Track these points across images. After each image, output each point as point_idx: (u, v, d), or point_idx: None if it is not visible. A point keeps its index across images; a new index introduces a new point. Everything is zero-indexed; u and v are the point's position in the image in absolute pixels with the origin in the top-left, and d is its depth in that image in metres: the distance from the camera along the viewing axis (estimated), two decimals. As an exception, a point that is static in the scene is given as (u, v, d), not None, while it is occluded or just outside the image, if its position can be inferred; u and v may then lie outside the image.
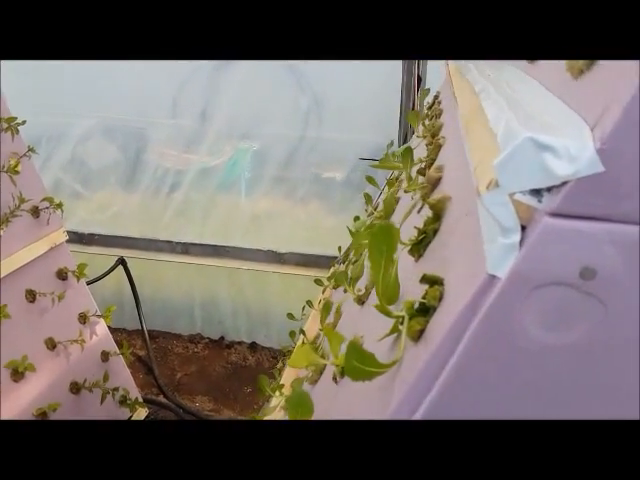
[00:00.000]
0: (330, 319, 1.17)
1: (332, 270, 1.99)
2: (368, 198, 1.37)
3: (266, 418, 1.23)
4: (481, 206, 0.44)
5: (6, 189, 2.00)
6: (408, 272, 0.64)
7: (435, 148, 0.96)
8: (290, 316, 1.91)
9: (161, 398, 2.74)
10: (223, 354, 3.16)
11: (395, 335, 0.55)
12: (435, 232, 0.62)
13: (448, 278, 0.47)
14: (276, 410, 1.22)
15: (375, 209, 1.82)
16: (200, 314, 3.28)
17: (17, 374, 1.94)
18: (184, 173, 3.24)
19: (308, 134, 3.05)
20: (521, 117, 0.45)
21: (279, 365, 2.11)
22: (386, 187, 1.56)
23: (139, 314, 3.00)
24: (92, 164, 3.38)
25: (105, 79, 3.16)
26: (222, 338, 3.27)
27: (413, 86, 2.31)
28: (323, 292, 1.72)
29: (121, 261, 2.90)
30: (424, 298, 0.48)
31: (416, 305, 0.48)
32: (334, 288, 1.77)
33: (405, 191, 0.95)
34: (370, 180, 1.47)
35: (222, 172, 3.26)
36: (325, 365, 0.95)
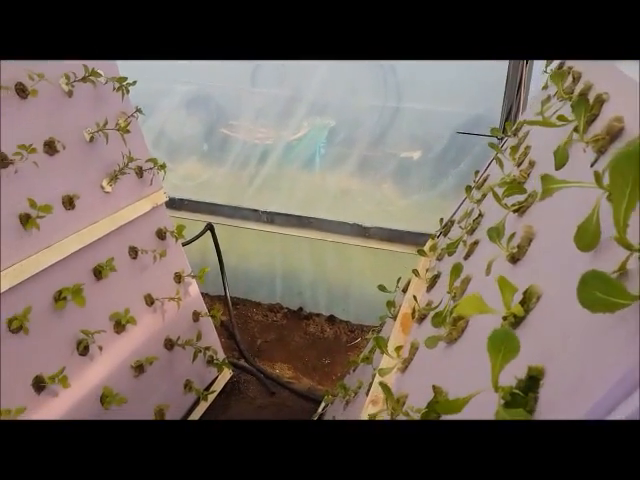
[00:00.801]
0: (457, 283, 1.15)
1: (431, 242, 1.96)
2: (499, 161, 1.32)
3: (381, 380, 1.23)
4: None
5: (115, 148, 2.06)
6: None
7: (597, 103, 0.91)
8: (381, 287, 1.88)
9: (243, 362, 2.80)
10: (301, 325, 3.19)
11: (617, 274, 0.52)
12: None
13: None
14: (393, 371, 1.21)
15: (485, 180, 1.77)
16: (281, 284, 3.33)
17: (119, 326, 2.02)
18: (267, 147, 3.26)
19: (389, 111, 3.00)
20: None
21: (369, 335, 2.10)
22: (508, 156, 1.50)
23: (223, 280, 3.07)
24: (179, 134, 3.47)
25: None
26: (301, 309, 3.31)
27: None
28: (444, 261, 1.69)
29: (209, 227, 2.97)
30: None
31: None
32: (438, 259, 1.74)
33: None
34: (493, 146, 1.43)
35: (301, 147, 3.28)
36: (467, 323, 0.93)
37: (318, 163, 3.22)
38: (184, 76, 3.32)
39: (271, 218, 3.12)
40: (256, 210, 3.13)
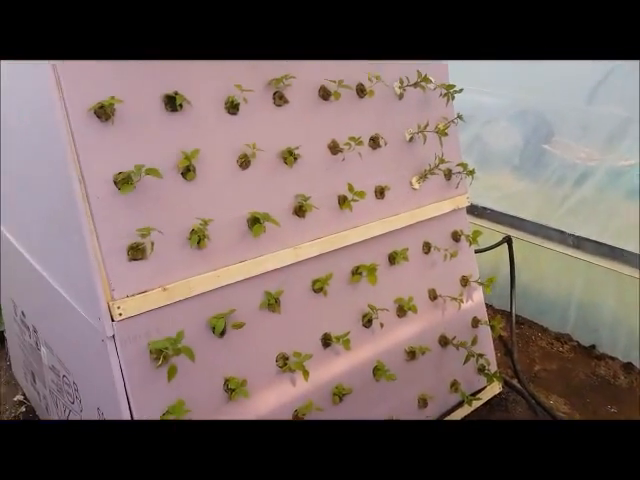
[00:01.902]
0: None
1: None
2: None
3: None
4: None
5: (430, 149, 2.22)
6: None
7: None
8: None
9: (515, 382, 2.71)
10: (590, 363, 2.91)
11: None
12: None
13: None
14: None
15: None
16: (575, 315, 3.08)
17: (401, 311, 2.18)
18: (588, 169, 3.04)
19: None
20: None
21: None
22: None
23: (511, 295, 3.00)
24: (494, 145, 3.49)
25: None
26: (593, 347, 3.01)
27: None
28: None
29: (507, 239, 2.93)
30: None
31: None
32: None
33: None
34: None
35: (631, 174, 2.95)
36: None
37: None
38: (512, 88, 3.33)
39: (578, 243, 2.91)
40: (562, 232, 2.96)
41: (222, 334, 1.66)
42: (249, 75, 1.70)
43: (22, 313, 2.11)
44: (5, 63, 1.74)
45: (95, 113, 1.39)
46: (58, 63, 1.34)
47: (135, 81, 1.48)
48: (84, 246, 1.42)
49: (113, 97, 1.39)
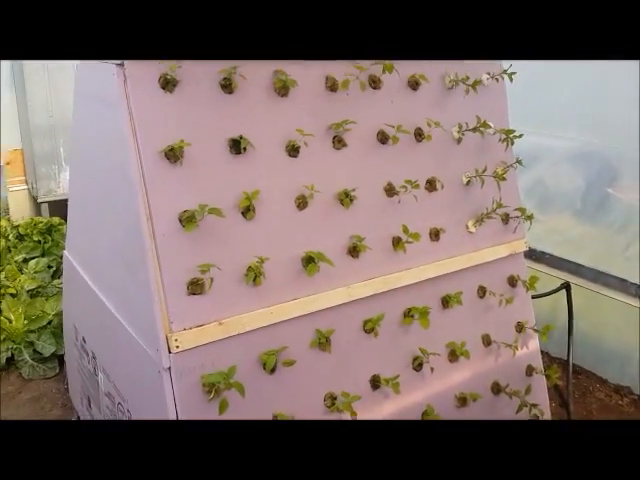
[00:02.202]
0: None
1: None
2: None
3: None
4: None
5: (488, 193, 2.21)
6: None
7: None
8: None
9: (570, 436, 2.60)
10: (652, 419, 2.77)
11: None
12: None
13: None
14: None
15: None
16: (636, 366, 2.95)
17: (453, 355, 2.15)
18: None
19: None
20: None
21: None
22: None
23: (569, 344, 2.90)
24: (556, 188, 3.42)
25: (588, 100, 3.14)
26: (655, 402, 2.87)
27: None
28: None
29: (566, 286, 2.85)
30: None
31: None
32: None
33: None
34: None
35: None
36: None
37: None
38: (577, 131, 3.27)
39: (640, 292, 2.81)
40: (624, 280, 2.85)
41: (273, 370, 1.69)
42: (310, 119, 1.76)
43: (83, 339, 2.20)
44: (82, 98, 1.86)
45: (165, 155, 1.47)
46: (134, 107, 1.44)
47: (203, 125, 1.56)
48: (147, 279, 1.49)
49: (182, 140, 1.47)
